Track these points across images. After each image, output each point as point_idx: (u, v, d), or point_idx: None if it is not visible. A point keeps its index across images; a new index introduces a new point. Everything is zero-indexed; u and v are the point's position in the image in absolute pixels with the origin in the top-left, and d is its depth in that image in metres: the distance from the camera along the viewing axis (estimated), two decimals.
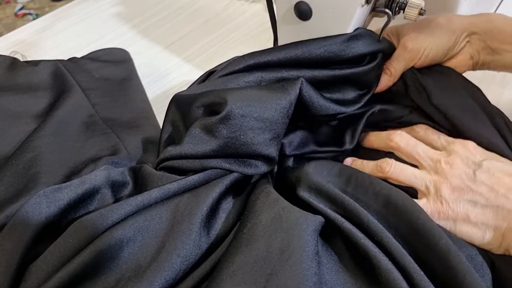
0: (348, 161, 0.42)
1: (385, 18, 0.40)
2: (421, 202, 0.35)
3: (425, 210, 0.34)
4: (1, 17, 2.07)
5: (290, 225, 0.30)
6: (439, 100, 0.40)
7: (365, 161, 0.40)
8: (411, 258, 0.29)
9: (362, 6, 0.38)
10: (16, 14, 2.08)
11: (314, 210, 0.34)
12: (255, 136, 0.35)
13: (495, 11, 0.60)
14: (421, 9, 0.39)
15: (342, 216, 0.33)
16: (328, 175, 0.38)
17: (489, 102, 0.40)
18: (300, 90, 0.38)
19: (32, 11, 2.10)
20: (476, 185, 0.34)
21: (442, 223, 0.34)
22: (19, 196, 0.35)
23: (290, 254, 0.28)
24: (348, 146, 0.42)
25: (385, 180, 0.38)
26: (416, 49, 0.41)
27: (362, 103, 0.42)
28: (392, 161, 0.38)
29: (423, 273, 0.28)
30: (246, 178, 0.38)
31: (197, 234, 0.32)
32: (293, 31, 0.44)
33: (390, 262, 0.29)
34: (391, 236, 0.30)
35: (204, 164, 0.36)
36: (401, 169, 0.37)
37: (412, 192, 0.36)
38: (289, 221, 0.31)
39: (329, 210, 0.33)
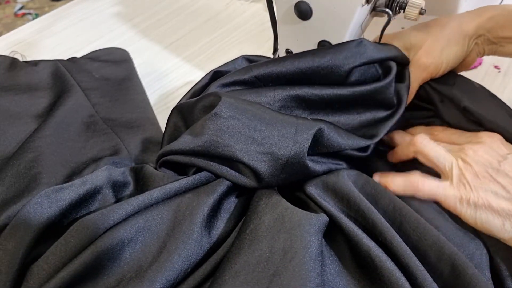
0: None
1: (385, 18, 0.40)
2: (444, 185, 0.34)
3: (447, 193, 0.34)
4: (1, 17, 2.06)
5: (293, 226, 0.30)
6: (467, 103, 0.39)
7: (399, 134, 0.41)
8: (415, 257, 0.29)
9: (362, 6, 0.38)
10: (15, 14, 2.08)
11: (318, 208, 0.34)
12: (240, 142, 0.34)
13: None
14: (422, 8, 0.39)
15: (346, 213, 0.33)
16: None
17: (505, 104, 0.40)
18: (319, 135, 0.36)
19: (31, 11, 2.10)
20: (500, 176, 0.33)
21: (461, 209, 0.33)
22: (20, 196, 0.35)
23: (293, 255, 0.28)
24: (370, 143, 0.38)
25: (412, 160, 0.38)
26: (434, 66, 0.40)
27: (385, 131, 0.39)
28: (426, 137, 0.38)
29: (427, 272, 0.28)
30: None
31: (199, 234, 0.32)
32: (293, 31, 0.44)
33: (392, 263, 0.29)
34: (396, 234, 0.30)
35: (193, 162, 0.36)
36: (432, 146, 0.37)
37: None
38: (292, 221, 0.31)
39: (332, 208, 0.33)
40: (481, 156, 0.34)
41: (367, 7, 0.40)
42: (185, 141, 0.36)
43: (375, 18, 0.43)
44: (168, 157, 0.37)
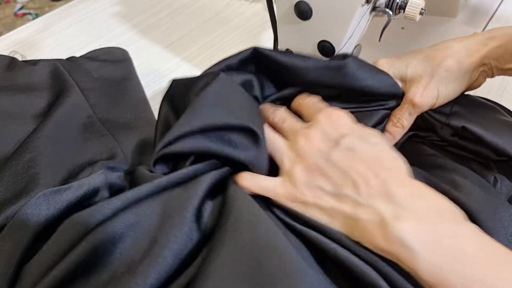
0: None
1: (385, 18, 0.40)
2: (275, 183, 0.33)
3: (278, 190, 0.33)
4: (1, 17, 2.07)
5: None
6: (466, 125, 0.38)
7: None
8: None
9: (362, 5, 0.38)
10: (15, 14, 2.08)
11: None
12: (236, 110, 0.35)
13: (495, 11, 0.60)
14: (422, 8, 0.39)
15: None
16: None
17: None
18: None
19: (31, 11, 2.10)
20: (329, 167, 0.31)
21: (293, 206, 0.32)
22: (18, 197, 0.35)
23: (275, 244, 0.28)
24: None
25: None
26: (429, 105, 0.39)
27: None
28: (280, 113, 0.37)
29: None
30: (235, 171, 0.36)
31: (189, 228, 0.31)
32: (293, 31, 0.44)
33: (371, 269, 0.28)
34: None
35: (190, 144, 0.35)
36: (271, 132, 0.36)
37: None
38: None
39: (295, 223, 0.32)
40: (312, 144, 0.32)
41: (367, 7, 0.40)
42: (184, 122, 0.35)
43: (375, 18, 0.43)
44: (163, 152, 0.36)
